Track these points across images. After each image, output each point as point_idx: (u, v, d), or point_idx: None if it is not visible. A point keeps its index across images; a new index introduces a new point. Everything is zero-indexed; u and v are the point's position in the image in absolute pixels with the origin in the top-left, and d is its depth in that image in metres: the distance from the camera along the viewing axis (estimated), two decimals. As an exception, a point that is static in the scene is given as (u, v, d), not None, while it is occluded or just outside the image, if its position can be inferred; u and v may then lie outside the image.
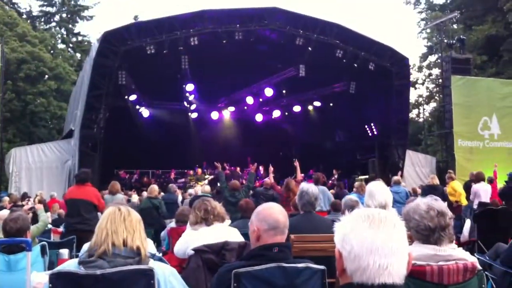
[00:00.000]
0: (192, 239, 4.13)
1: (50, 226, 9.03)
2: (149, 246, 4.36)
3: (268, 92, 24.96)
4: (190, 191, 14.88)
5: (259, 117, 28.14)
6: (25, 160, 19.73)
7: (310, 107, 26.43)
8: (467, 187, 12.31)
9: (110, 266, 2.68)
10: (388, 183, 9.85)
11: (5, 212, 6.54)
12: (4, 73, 19.64)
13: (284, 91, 25.43)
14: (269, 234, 2.97)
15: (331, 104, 25.34)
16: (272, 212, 2.99)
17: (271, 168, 11.53)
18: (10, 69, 30.49)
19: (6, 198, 14.60)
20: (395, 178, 12.12)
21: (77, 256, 4.15)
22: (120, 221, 2.80)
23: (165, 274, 2.83)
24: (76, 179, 9.10)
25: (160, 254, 4.46)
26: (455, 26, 35.41)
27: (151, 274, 2.73)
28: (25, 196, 16.30)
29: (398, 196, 10.46)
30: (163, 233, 7.63)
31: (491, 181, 12.67)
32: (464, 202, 11.88)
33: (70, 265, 2.80)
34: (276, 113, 27.78)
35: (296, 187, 9.95)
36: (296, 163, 11.60)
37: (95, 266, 2.68)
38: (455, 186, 12.06)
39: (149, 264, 2.81)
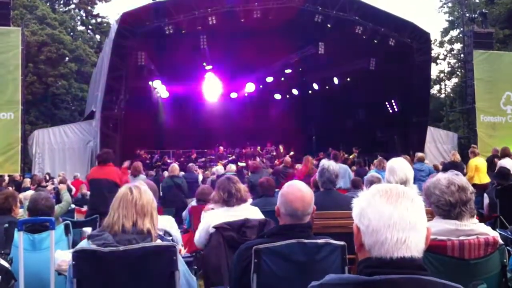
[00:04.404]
0: (212, 217, 4.17)
1: (73, 206, 9.17)
2: (170, 223, 4.45)
3: (287, 70, 24.83)
4: (214, 170, 14.92)
5: (278, 96, 28.06)
6: (48, 142, 20.00)
7: (329, 85, 26.16)
8: (489, 163, 12.08)
9: (115, 240, 2.75)
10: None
11: (30, 193, 6.65)
12: (25, 56, 19.78)
13: (303, 69, 25.24)
14: (286, 218, 2.97)
15: (350, 81, 25.09)
16: (293, 200, 2.93)
17: None
18: (31, 52, 30.74)
19: (27, 179, 14.85)
20: (419, 155, 11.80)
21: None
22: (131, 206, 2.85)
23: None
24: (98, 160, 9.17)
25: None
26: (477, -1, 34.77)
27: (173, 250, 2.77)
28: (48, 177, 16.57)
29: (421, 173, 10.27)
30: (184, 212, 7.70)
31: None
32: (483, 181, 11.54)
33: (83, 244, 2.89)
34: (295, 92, 27.66)
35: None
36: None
37: (100, 238, 2.76)
38: (470, 167, 11.73)
39: (155, 241, 2.87)
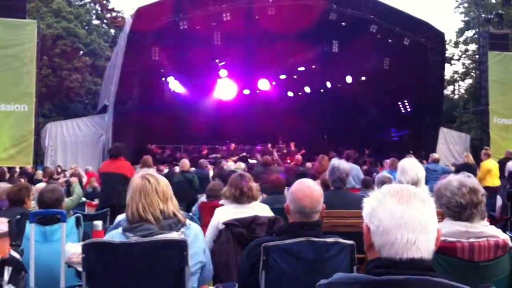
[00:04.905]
0: (222, 214, 4.18)
1: (84, 199, 9.22)
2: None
3: (300, 68, 24.77)
4: (224, 166, 14.90)
5: (290, 93, 28.02)
6: (61, 135, 20.09)
7: (342, 84, 26.02)
8: (502, 165, 11.96)
9: (158, 228, 2.80)
10: (420, 161, 9.62)
11: (42, 185, 6.70)
12: (40, 49, 19.89)
13: (316, 67, 25.15)
14: (295, 215, 2.99)
15: (363, 80, 24.95)
16: (301, 198, 2.96)
17: None
18: (46, 45, 30.91)
19: (40, 172, 14.96)
20: (434, 155, 11.70)
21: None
22: (153, 193, 2.89)
23: (196, 231, 3.03)
24: (109, 154, 9.20)
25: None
26: (493, 0, 34.43)
27: (184, 245, 2.78)
28: (60, 170, 16.67)
29: (434, 174, 10.19)
30: (194, 208, 7.71)
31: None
32: (495, 183, 11.39)
33: (115, 235, 2.90)
34: (307, 90, 27.60)
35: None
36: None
37: (142, 229, 2.79)
38: (482, 169, 11.58)
39: (186, 221, 2.96)
